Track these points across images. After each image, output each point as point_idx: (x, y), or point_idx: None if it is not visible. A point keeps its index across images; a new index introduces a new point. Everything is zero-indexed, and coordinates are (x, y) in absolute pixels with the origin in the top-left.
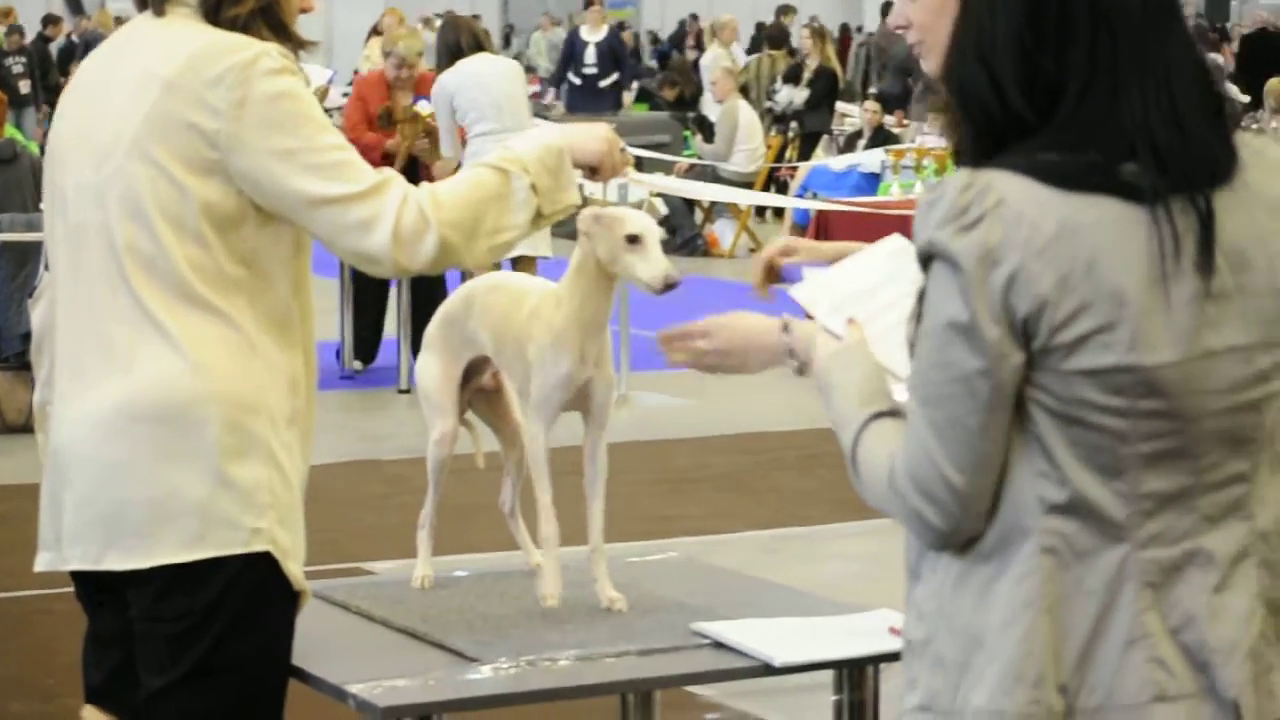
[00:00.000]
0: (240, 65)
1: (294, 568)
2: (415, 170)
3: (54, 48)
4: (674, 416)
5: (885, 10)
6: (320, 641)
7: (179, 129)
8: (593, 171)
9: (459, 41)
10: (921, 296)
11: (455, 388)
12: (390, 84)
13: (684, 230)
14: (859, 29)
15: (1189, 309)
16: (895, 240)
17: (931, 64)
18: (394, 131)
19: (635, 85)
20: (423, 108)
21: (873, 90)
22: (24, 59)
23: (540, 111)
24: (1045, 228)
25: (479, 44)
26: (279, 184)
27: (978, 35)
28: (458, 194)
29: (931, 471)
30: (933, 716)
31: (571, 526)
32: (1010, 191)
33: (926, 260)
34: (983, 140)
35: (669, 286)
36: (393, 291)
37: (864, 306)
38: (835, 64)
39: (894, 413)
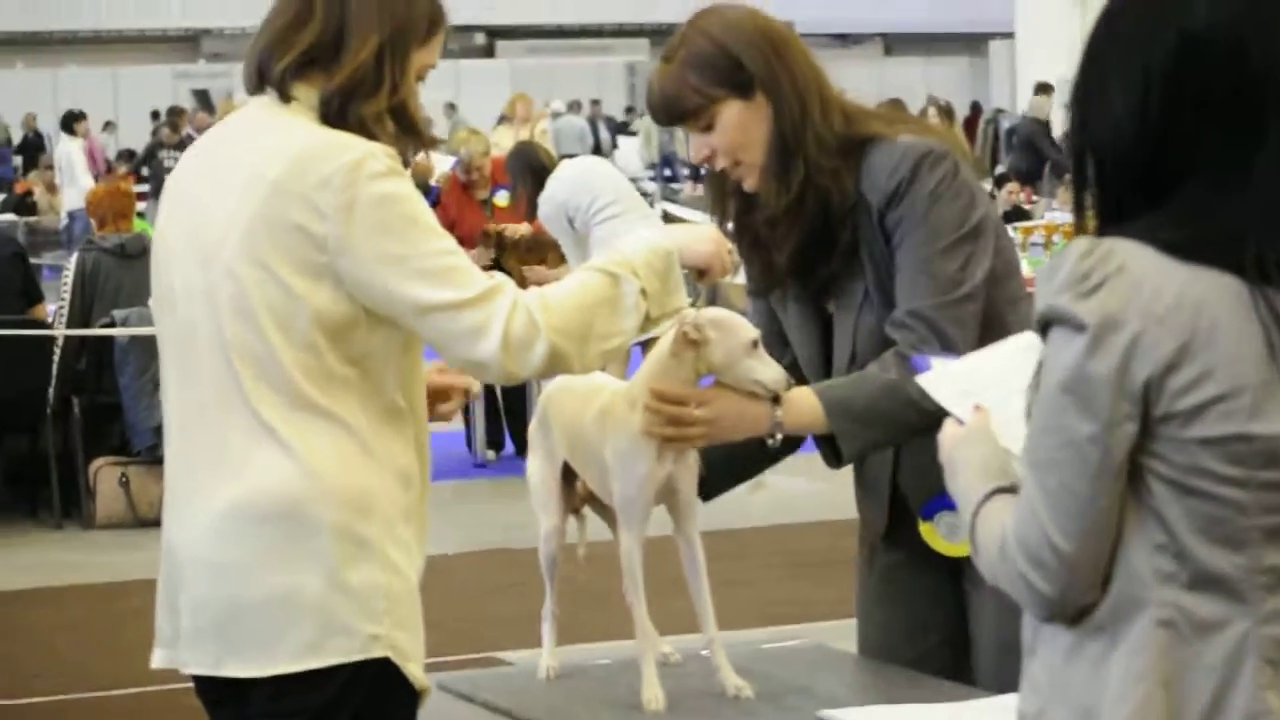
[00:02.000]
0: (347, 168)
1: (414, 669)
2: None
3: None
4: (808, 500)
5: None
6: None
7: (287, 231)
8: (700, 274)
9: (540, 158)
10: (1040, 364)
11: (556, 484)
12: (465, 185)
13: None
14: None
15: None
16: (1026, 336)
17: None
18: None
19: None
20: (500, 199)
21: (1000, 169)
22: (178, 154)
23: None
24: (1166, 295)
25: (552, 160)
26: (388, 290)
27: (1101, 112)
28: (567, 299)
29: (1039, 536)
30: None
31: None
32: (1131, 258)
33: (1045, 326)
34: (1106, 209)
35: (788, 389)
36: None
37: (990, 394)
38: (963, 143)
39: (1014, 489)
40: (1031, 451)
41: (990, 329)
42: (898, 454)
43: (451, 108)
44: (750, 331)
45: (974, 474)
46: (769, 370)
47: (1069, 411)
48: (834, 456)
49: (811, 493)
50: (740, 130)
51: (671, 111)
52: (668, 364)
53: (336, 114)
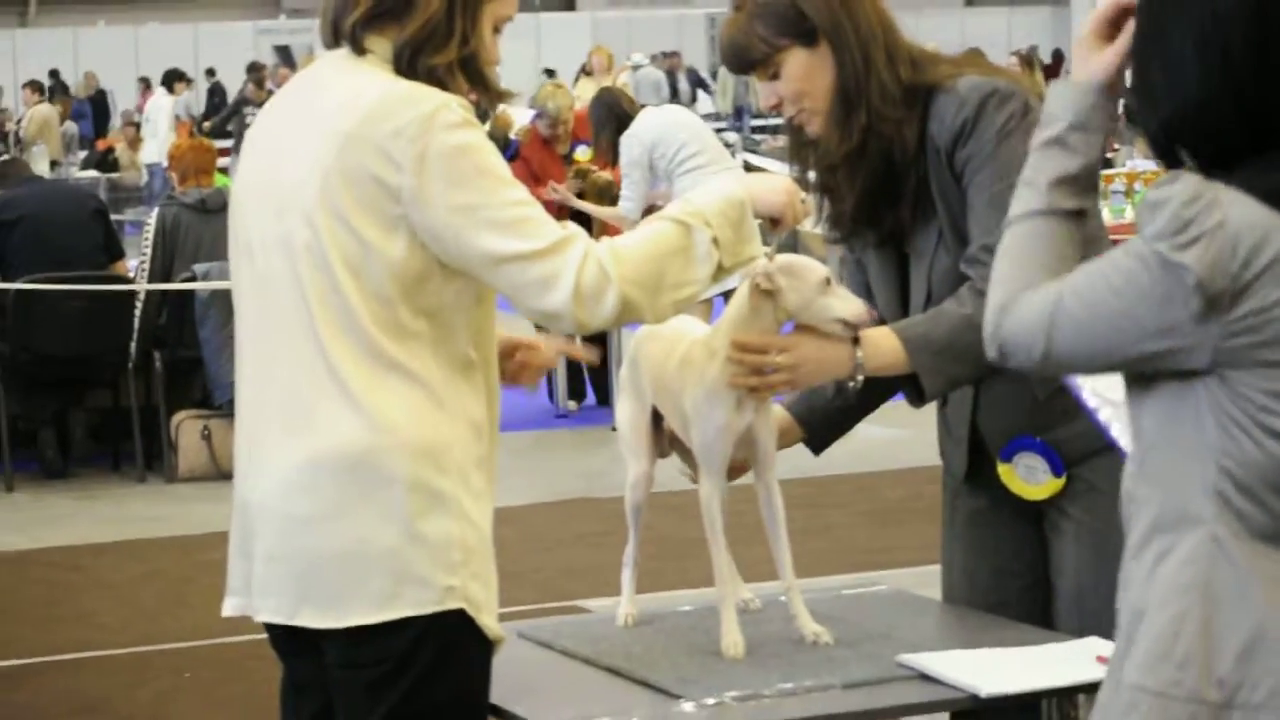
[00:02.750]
0: (421, 118)
1: (488, 620)
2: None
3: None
4: (888, 448)
5: None
6: (523, 681)
7: (363, 182)
8: (773, 223)
9: (622, 107)
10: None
11: (646, 429)
12: (547, 140)
13: None
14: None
15: None
16: None
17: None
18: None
19: None
20: (581, 154)
21: None
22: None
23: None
24: (1260, 258)
25: (635, 107)
26: (460, 240)
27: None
28: (639, 249)
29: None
30: (1109, 684)
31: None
32: (1233, 212)
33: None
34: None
35: (870, 320)
36: None
37: None
38: (1045, 91)
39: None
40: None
41: None
42: (977, 396)
43: (549, 73)
44: (821, 271)
45: None
46: (847, 305)
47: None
48: (917, 395)
49: (891, 440)
50: (805, 78)
51: (740, 60)
52: (746, 315)
53: (407, 65)
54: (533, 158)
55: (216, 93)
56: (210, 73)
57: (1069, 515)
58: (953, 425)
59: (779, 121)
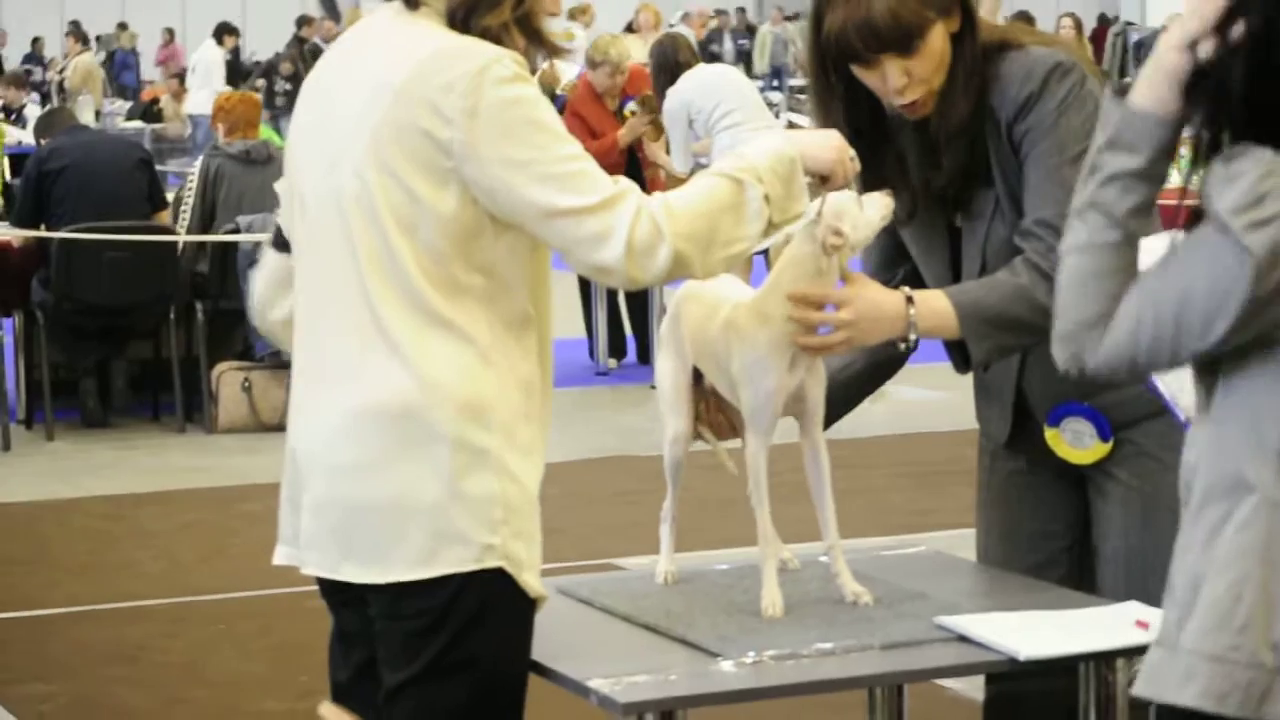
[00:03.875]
0: (472, 73)
1: (529, 578)
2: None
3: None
4: (929, 410)
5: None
6: (563, 638)
7: (413, 136)
8: (823, 180)
9: (677, 58)
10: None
11: (686, 387)
12: (601, 93)
13: None
14: (1115, 19)
15: None
16: (1164, 238)
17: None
18: (622, 119)
19: None
20: (631, 108)
21: (1128, 80)
22: (289, 83)
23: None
24: None
25: (695, 57)
26: (512, 194)
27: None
28: (692, 205)
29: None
30: (1162, 650)
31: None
32: None
33: (1198, 218)
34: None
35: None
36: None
37: None
38: (1090, 58)
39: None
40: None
41: None
42: (1024, 361)
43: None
44: (851, 196)
45: None
46: (878, 207)
47: (1209, 298)
48: (963, 361)
49: (932, 402)
50: (942, 53)
51: (896, 32)
52: (794, 274)
53: (462, 23)
54: (587, 113)
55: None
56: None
57: (1116, 479)
58: (995, 389)
59: None
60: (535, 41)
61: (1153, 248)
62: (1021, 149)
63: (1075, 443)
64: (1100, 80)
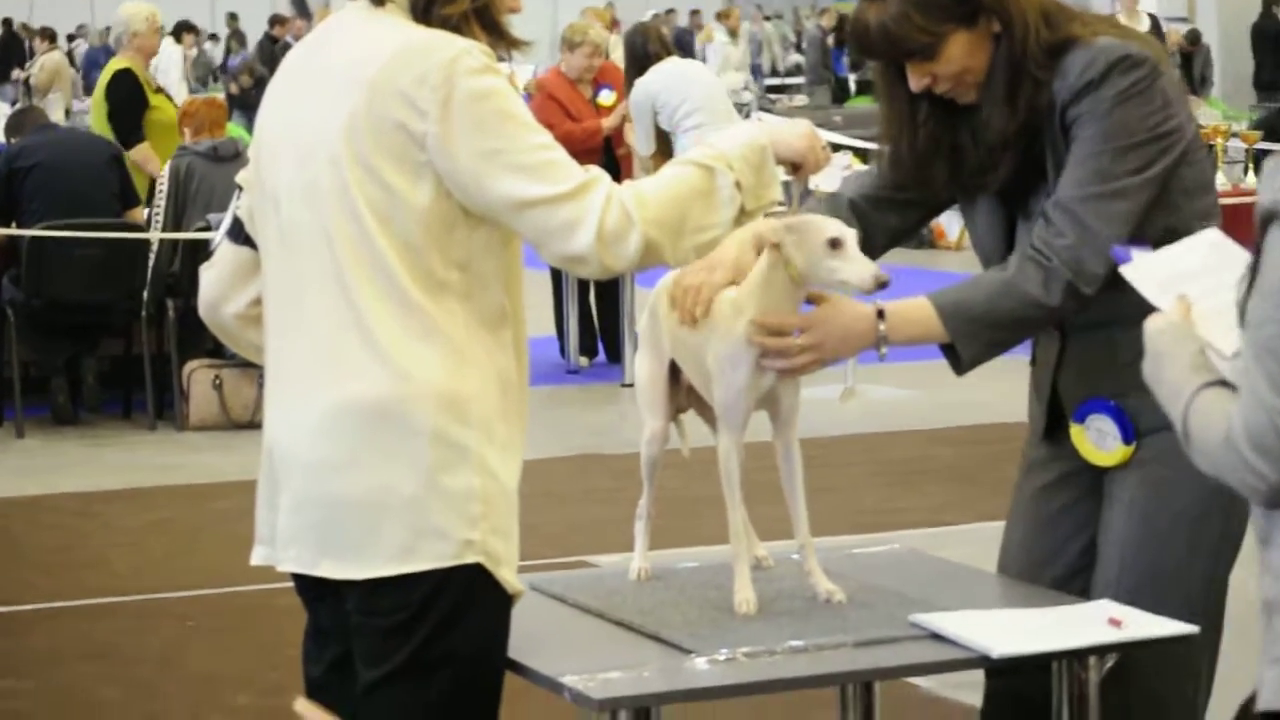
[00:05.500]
0: (443, 64)
1: (507, 574)
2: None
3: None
4: (900, 408)
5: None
6: (536, 634)
7: (388, 130)
8: (795, 168)
9: (647, 48)
10: (1257, 258)
11: (664, 385)
12: (575, 78)
13: None
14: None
15: None
16: (1214, 233)
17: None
18: (602, 112)
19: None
20: (604, 97)
21: None
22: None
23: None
24: None
25: (666, 49)
26: (484, 185)
27: None
28: (662, 192)
29: (1265, 422)
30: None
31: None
32: None
33: (1267, 221)
34: None
35: (881, 285)
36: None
37: (1191, 286)
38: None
39: (1224, 383)
40: (1255, 343)
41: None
42: (1061, 354)
43: None
44: (828, 230)
45: (1183, 368)
46: (853, 267)
47: None
48: (957, 362)
49: (903, 401)
50: (969, 58)
51: (897, 50)
52: (766, 275)
53: (423, 14)
54: (562, 96)
55: (236, 38)
56: (233, 17)
57: (1124, 485)
58: (1037, 382)
59: (794, 81)
60: (494, 34)
61: (1193, 245)
62: (1070, 134)
63: (1099, 442)
64: (1181, 84)
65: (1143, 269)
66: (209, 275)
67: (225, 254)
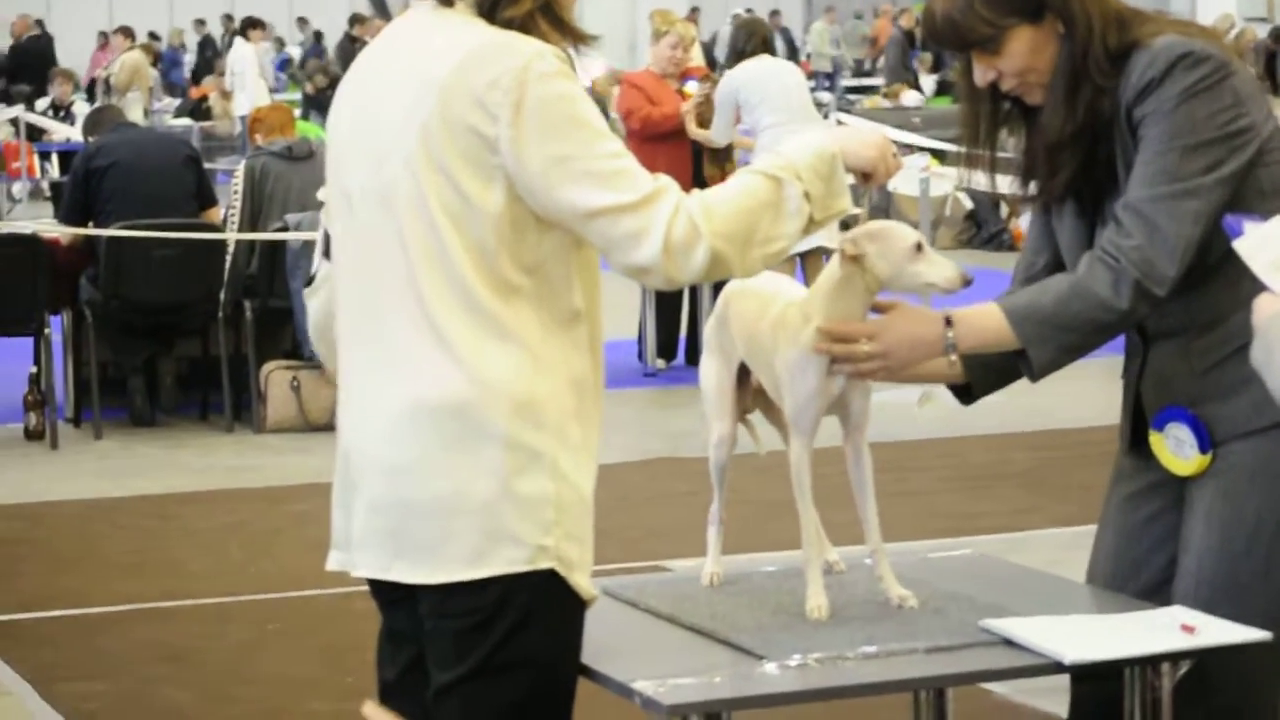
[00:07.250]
0: (516, 69)
1: (580, 579)
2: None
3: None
4: (975, 413)
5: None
6: (608, 639)
7: (462, 132)
8: (865, 177)
9: (744, 44)
10: None
11: (730, 389)
12: (660, 72)
13: (989, 224)
14: None
15: None
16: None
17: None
18: (682, 97)
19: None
20: (690, 88)
21: None
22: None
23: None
24: None
25: (766, 46)
26: (552, 192)
27: None
28: (730, 202)
29: None
30: None
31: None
32: None
33: None
34: None
35: (966, 284)
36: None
37: None
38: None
39: None
40: None
41: None
42: (1144, 363)
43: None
44: (911, 235)
45: None
46: (938, 270)
47: None
48: (1029, 368)
49: (978, 406)
50: (1032, 55)
51: (959, 40)
52: (839, 283)
53: (488, 15)
54: (645, 84)
55: (318, 39)
56: (302, 21)
57: (1203, 495)
58: (1124, 389)
59: (872, 82)
60: (560, 30)
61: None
62: (1137, 135)
63: (1177, 451)
64: (1259, 82)
65: (1255, 242)
66: (315, 301)
67: (327, 275)
